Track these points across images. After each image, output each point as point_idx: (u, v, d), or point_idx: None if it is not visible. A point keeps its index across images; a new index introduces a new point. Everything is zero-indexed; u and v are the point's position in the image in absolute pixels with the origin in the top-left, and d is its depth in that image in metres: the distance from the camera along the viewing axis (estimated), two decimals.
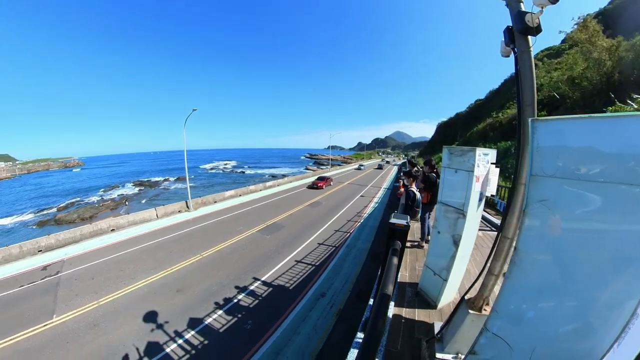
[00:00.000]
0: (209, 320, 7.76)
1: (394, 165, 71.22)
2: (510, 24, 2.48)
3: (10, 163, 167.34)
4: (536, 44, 2.39)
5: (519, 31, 2.39)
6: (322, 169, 70.48)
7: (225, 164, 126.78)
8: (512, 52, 2.53)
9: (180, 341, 7.12)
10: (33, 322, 8.49)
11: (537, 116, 2.20)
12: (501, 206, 11.47)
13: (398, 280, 5.46)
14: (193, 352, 6.74)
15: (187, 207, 19.79)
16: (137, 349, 7.00)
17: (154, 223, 17.24)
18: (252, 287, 9.30)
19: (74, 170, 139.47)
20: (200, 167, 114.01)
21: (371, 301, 4.86)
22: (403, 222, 5.10)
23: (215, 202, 21.87)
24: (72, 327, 8.16)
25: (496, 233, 2.79)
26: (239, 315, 7.90)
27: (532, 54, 2.41)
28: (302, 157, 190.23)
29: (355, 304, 8.25)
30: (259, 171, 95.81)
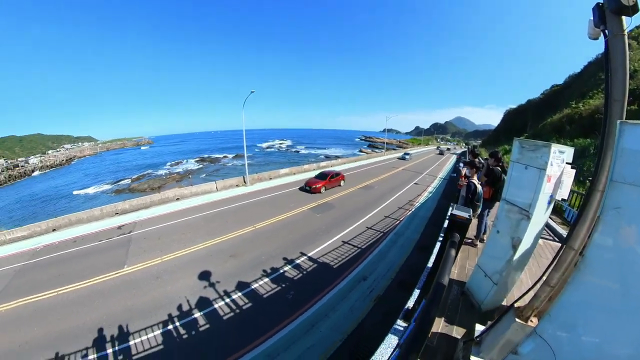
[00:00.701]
0: (255, 286, 8.66)
1: (453, 154, 66.25)
2: (601, 0, 2.06)
3: (93, 143, 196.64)
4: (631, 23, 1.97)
5: (612, 10, 1.97)
6: (376, 152, 69.11)
7: (281, 143, 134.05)
8: (602, 35, 2.10)
9: (227, 300, 8.13)
10: (108, 269, 10.48)
11: (628, 112, 1.91)
12: (570, 215, 9.86)
13: None
14: (237, 311, 7.66)
15: (244, 182, 21.53)
16: (189, 302, 8.20)
17: (213, 195, 19.25)
18: (298, 261, 9.97)
19: (142, 147, 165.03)
20: (258, 145, 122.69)
21: (416, 292, 4.84)
22: (465, 214, 4.79)
23: (271, 178, 23.27)
24: (138, 277, 9.91)
25: (559, 244, 2.57)
26: (283, 285, 8.64)
27: (626, 38, 1.97)
28: (357, 139, 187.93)
29: (396, 292, 8.25)
30: (313, 151, 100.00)
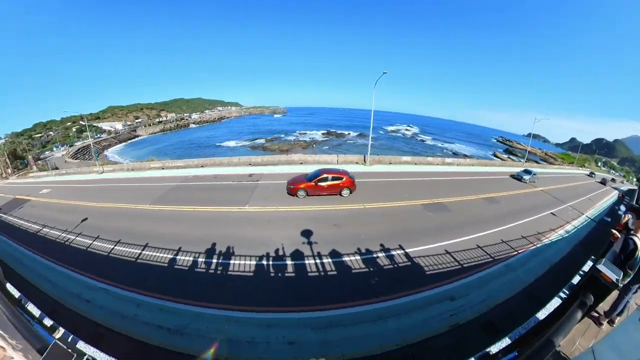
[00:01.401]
0: (345, 259, 10.04)
1: (615, 188, 45.43)
2: None
3: (239, 107, 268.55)
4: None
5: None
6: (512, 159, 58.84)
7: (407, 129, 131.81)
8: None
9: (317, 260, 9.86)
10: (233, 204, 15.06)
11: None
12: None
13: None
14: (322, 274, 9.25)
15: (364, 161, 23.47)
16: (284, 249, 10.54)
17: (332, 166, 22.08)
18: (393, 252, 10.63)
19: (275, 115, 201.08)
20: (383, 128, 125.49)
21: (505, 340, 4.52)
22: (614, 276, 3.86)
23: (390, 163, 24.32)
24: (254, 216, 13.67)
25: None
26: (371, 269, 9.62)
27: None
28: (493, 140, 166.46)
29: (477, 333, 7.60)
30: (440, 144, 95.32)
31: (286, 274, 9.31)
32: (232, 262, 10.08)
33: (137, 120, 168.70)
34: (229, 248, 10.90)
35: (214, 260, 10.22)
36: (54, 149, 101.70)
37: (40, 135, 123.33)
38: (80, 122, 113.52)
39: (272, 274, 9.39)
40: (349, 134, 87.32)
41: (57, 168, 53.17)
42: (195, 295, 8.51)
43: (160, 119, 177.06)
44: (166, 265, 10.38)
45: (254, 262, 9.95)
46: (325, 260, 9.89)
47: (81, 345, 2.91)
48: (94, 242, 12.77)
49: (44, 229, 15.52)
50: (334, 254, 10.26)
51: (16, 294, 4.48)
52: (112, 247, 12.06)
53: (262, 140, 70.38)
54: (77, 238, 13.62)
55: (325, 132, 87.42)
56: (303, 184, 15.78)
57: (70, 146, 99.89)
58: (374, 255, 10.36)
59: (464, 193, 18.88)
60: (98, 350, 2.54)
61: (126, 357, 2.60)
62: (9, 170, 60.50)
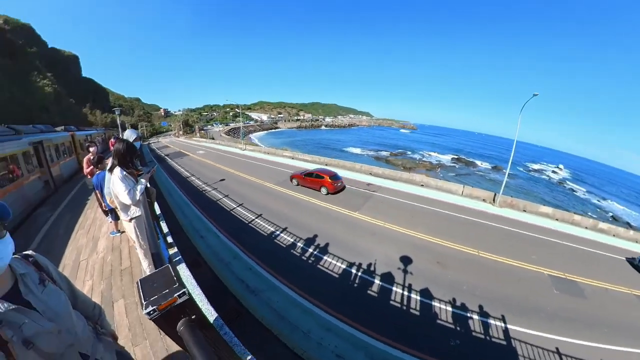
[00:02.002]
0: (435, 304, 8.64)
1: None
2: None
3: (369, 117, 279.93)
4: None
5: None
6: None
7: (555, 172, 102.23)
8: None
9: (404, 292, 8.99)
10: (345, 206, 15.58)
11: None
12: None
13: None
14: (403, 307, 8.36)
15: (493, 200, 20.19)
16: (376, 267, 10.06)
17: (455, 197, 19.88)
18: (490, 321, 8.38)
19: (401, 130, 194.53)
20: (524, 164, 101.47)
21: None
22: None
23: (524, 210, 20.09)
24: (360, 223, 13.66)
25: None
26: (456, 328, 7.98)
27: None
28: None
29: None
30: (596, 200, 61.23)
31: (367, 291, 8.94)
32: (323, 256, 10.56)
33: (279, 115, 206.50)
34: (327, 244, 11.40)
35: (309, 249, 11.02)
36: (214, 125, 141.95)
37: (206, 113, 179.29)
38: (236, 109, 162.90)
39: (355, 285, 9.21)
40: (481, 164, 76.76)
41: (213, 138, 70.85)
42: (278, 269, 9.77)
43: (298, 117, 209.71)
44: (266, 235, 12.31)
45: (342, 266, 10.05)
46: (412, 296, 8.95)
47: (182, 268, 3.47)
48: (223, 199, 16.98)
49: (191, 177, 22.77)
50: (425, 293, 9.14)
51: (158, 211, 5.75)
52: (235, 207, 15.60)
53: (387, 153, 70.12)
54: (212, 191, 18.69)
55: (455, 157, 79.76)
56: (297, 176, 19.69)
57: (225, 125, 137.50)
58: (467, 314, 8.54)
59: (614, 279, 12.92)
60: (196, 286, 2.87)
61: (206, 288, 3.04)
62: (181, 132, 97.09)
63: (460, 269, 10.80)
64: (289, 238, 11.97)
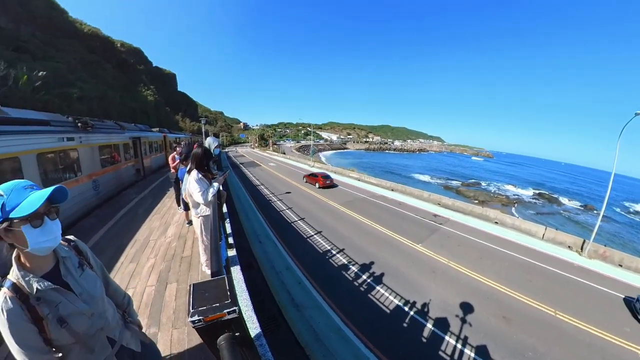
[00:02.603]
0: None
1: None
2: None
3: (440, 143, 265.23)
4: None
5: None
6: None
7: None
8: None
9: (457, 344, 7.71)
10: (408, 237, 14.35)
11: None
12: None
13: None
14: None
15: (581, 249, 16.97)
16: (431, 308, 8.99)
17: (534, 240, 16.92)
18: None
19: (473, 158, 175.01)
20: (622, 203, 78.93)
21: None
22: None
23: (620, 265, 16.23)
24: (422, 257, 12.40)
25: None
26: None
27: None
28: None
29: None
30: None
31: (416, 333, 8.02)
32: (376, 286, 9.94)
33: (348, 136, 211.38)
34: (382, 274, 10.73)
35: (363, 275, 10.50)
36: (286, 140, 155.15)
37: (280, 130, 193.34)
38: (308, 128, 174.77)
39: (403, 323, 8.37)
40: (567, 201, 63.99)
41: (284, 153, 77.15)
42: (327, 289, 9.50)
43: (367, 139, 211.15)
44: (321, 253, 12.13)
45: (394, 300, 9.27)
46: (466, 351, 7.60)
47: (236, 270, 3.45)
48: (286, 210, 17.54)
49: (260, 186, 24.39)
50: (482, 351, 7.63)
51: (225, 212, 5.97)
52: (296, 220, 15.92)
53: (458, 183, 63.81)
54: (277, 202, 19.55)
55: (535, 191, 68.97)
56: (306, 176, 27.91)
57: (297, 142, 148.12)
58: None
59: None
60: (249, 303, 2.79)
61: (254, 292, 3.05)
62: (256, 145, 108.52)
63: (530, 329, 8.85)
64: (344, 260, 11.63)
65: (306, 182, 27.29)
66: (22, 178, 5.66)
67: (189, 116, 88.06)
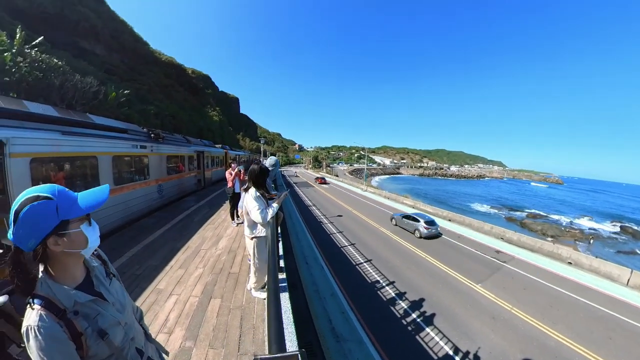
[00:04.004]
0: None
1: None
2: None
3: (501, 168, 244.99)
4: None
5: None
6: None
7: None
8: None
9: None
10: (465, 275, 12.85)
11: None
12: None
13: None
14: None
15: None
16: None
17: (616, 287, 13.85)
18: None
19: (540, 185, 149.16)
20: None
21: None
22: None
23: None
24: (480, 299, 10.86)
25: None
26: None
27: None
28: None
29: None
30: None
31: None
32: (425, 327, 8.93)
33: (402, 161, 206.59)
34: (433, 314, 9.60)
35: (412, 314, 9.60)
36: (339, 163, 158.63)
37: (334, 152, 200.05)
38: (361, 151, 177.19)
39: None
40: None
41: (337, 175, 79.06)
42: (371, 323, 8.83)
43: (421, 164, 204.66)
44: (369, 282, 11.51)
45: (444, 346, 8.15)
46: None
47: (284, 297, 3.38)
48: (337, 234, 17.29)
49: (312, 206, 25.08)
50: None
51: (278, 232, 5.86)
52: (346, 245, 15.55)
53: (523, 214, 54.93)
54: (328, 224, 19.58)
55: (617, 225, 56.60)
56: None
57: (350, 165, 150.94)
58: None
59: None
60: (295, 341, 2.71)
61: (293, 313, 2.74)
62: (310, 166, 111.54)
63: None
64: (393, 293, 10.82)
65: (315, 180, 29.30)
66: (97, 174, 6.42)
67: (249, 136, 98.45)
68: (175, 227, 7.26)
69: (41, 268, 1.11)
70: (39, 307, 1.05)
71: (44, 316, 1.04)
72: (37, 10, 22.52)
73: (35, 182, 4.60)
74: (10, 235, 1.00)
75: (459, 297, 10.90)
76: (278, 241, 5.26)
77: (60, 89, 10.33)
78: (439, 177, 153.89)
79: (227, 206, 9.86)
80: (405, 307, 9.87)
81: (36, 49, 9.79)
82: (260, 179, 3.57)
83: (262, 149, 41.22)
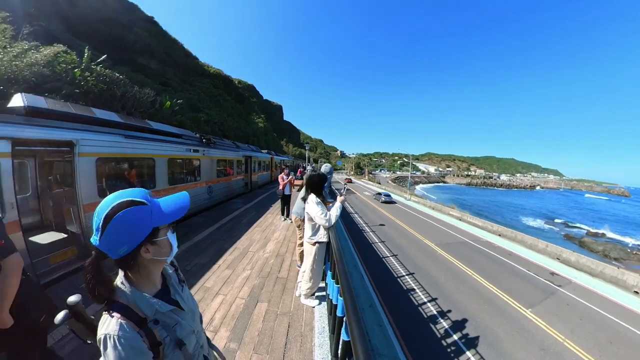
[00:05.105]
0: None
1: None
2: None
3: (558, 177, 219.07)
4: None
5: None
6: None
7: None
8: None
9: None
10: (516, 297, 11.68)
11: None
12: None
13: None
14: None
15: None
16: None
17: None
18: None
19: (587, 195, 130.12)
20: None
21: None
22: None
23: None
24: (530, 327, 9.67)
25: None
26: None
27: None
28: None
29: None
30: None
31: None
32: (466, 350, 8.26)
33: (448, 169, 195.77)
34: (477, 337, 8.82)
35: (453, 335, 8.91)
36: (381, 170, 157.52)
37: (376, 159, 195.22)
38: (404, 158, 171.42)
39: None
40: None
41: (379, 183, 78.45)
42: (409, 340, 8.37)
43: (469, 173, 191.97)
44: (410, 297, 11.00)
45: None
46: None
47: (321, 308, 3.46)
48: (378, 243, 16.96)
49: (354, 214, 25.20)
50: None
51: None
52: (388, 255, 15.17)
53: (582, 231, 48.47)
54: (369, 233, 19.21)
55: None
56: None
57: (392, 172, 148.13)
58: None
59: None
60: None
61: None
62: (352, 172, 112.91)
63: None
64: (434, 310, 10.21)
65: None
66: (154, 175, 6.92)
67: (292, 142, 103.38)
68: (224, 228, 7.48)
69: (121, 274, 1.08)
70: (119, 315, 1.00)
71: (124, 325, 0.99)
72: (101, 34, 26.88)
73: (99, 179, 5.15)
74: (95, 240, 0.95)
75: (506, 321, 9.93)
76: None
77: (121, 99, 11.64)
78: (488, 187, 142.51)
79: (274, 209, 10.57)
80: (447, 326, 9.24)
81: (100, 65, 11.16)
82: (319, 186, 3.70)
83: (306, 155, 40.83)
